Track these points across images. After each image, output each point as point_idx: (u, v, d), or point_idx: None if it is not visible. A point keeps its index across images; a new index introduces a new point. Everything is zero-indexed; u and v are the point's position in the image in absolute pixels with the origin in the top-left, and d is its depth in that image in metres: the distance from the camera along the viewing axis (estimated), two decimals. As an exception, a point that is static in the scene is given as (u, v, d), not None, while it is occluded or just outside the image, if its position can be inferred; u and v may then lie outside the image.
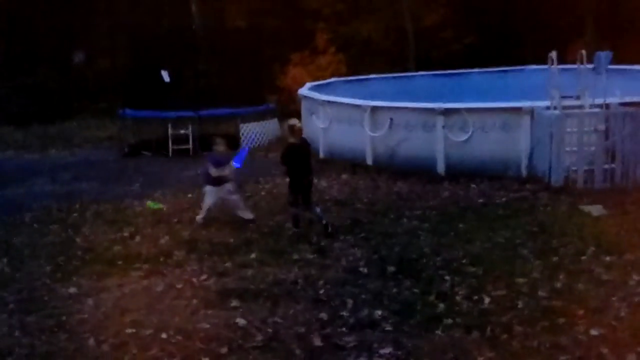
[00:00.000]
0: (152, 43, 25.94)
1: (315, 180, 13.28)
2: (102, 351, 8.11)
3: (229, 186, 13.25)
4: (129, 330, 8.56)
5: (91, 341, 8.34)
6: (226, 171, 13.11)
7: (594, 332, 7.86)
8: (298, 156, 12.23)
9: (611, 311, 8.45)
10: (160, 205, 14.39)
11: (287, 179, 12.51)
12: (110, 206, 15.02)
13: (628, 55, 22.64)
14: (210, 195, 13.25)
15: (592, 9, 33.58)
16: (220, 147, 13.48)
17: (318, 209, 12.42)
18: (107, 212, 14.61)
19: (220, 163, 13.19)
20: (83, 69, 39.67)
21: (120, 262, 11.24)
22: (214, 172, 13.07)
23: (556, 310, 8.54)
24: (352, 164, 17.51)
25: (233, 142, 22.20)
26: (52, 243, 12.67)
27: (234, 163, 13.29)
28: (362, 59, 32.81)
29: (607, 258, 10.21)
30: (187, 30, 28.41)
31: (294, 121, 12.57)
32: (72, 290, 10.14)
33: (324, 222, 12.16)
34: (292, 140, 12.28)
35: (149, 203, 14.36)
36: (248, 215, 13.25)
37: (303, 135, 12.85)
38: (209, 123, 23.37)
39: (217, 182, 13.15)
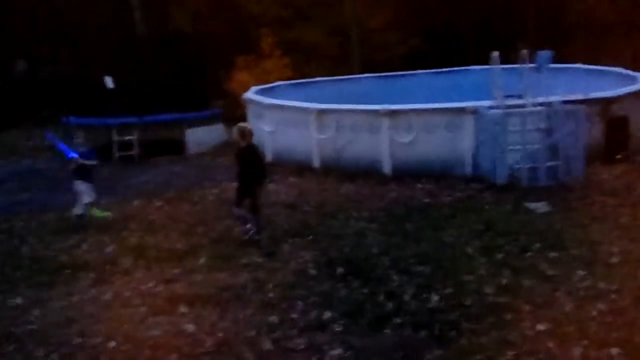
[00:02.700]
0: (94, 50, 25.68)
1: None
2: (50, 361, 8.01)
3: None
4: (77, 340, 8.48)
5: (39, 351, 8.24)
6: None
7: (540, 327, 8.01)
8: (247, 160, 12.09)
9: (557, 306, 8.62)
10: (106, 213, 14.22)
11: (236, 182, 12.33)
12: (55, 215, 14.80)
13: (568, 54, 23.08)
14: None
15: (533, 11, 34.16)
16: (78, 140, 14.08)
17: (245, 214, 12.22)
18: (52, 221, 14.40)
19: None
20: (25, 77, 39.01)
21: (67, 271, 11.09)
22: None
23: (503, 306, 8.68)
24: (300, 167, 17.51)
25: (179, 147, 22.11)
26: (-3, 254, 12.47)
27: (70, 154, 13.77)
28: (307, 62, 32.80)
29: (552, 254, 10.41)
30: (130, 36, 28.16)
31: (244, 125, 12.49)
32: (18, 300, 10.00)
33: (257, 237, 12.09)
34: (242, 144, 12.18)
35: (95, 211, 14.18)
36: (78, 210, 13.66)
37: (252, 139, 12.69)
38: (153, 129, 23.16)
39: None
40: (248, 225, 12.07)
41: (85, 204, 13.74)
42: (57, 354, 8.16)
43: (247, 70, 31.10)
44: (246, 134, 12.19)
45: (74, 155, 13.74)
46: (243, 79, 29.38)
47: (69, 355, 8.11)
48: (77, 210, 13.76)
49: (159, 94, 26.17)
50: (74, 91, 25.29)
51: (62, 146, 14.32)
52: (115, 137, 22.08)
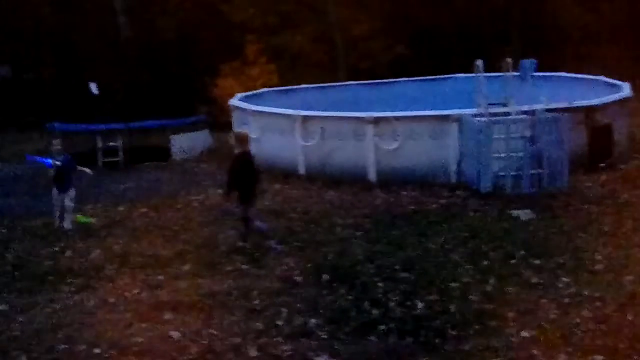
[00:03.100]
0: (79, 56, 25.59)
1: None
2: (35, 368, 7.97)
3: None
4: (62, 347, 8.42)
5: (23, 359, 8.17)
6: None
7: (525, 334, 8.04)
8: (245, 166, 11.98)
9: (541, 313, 8.66)
10: (91, 219, 14.18)
11: (235, 192, 12.05)
12: (40, 221, 14.71)
13: (552, 63, 23.22)
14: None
15: (517, 20, 34.36)
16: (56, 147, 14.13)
17: (258, 224, 12.24)
18: (37, 227, 14.31)
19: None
20: (9, 82, 38.82)
21: (51, 278, 11.02)
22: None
23: (488, 313, 8.71)
24: (285, 174, 17.52)
25: (164, 153, 22.06)
26: (-20, 260, 12.38)
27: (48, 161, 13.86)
28: (293, 69, 32.86)
29: (537, 261, 10.46)
30: (115, 43, 28.09)
31: (242, 131, 12.53)
32: (2, 307, 9.92)
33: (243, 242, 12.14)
34: (239, 150, 12.18)
35: (79, 217, 14.13)
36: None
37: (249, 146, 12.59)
38: (139, 135, 23.10)
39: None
40: (270, 240, 12.07)
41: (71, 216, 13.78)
42: (41, 361, 8.12)
43: (233, 77, 31.15)
44: (244, 140, 12.23)
45: (53, 161, 13.80)
46: (228, 86, 29.40)
47: (54, 362, 8.07)
48: (67, 224, 13.77)
49: (144, 100, 26.07)
50: (58, 97, 25.16)
51: (41, 160, 14.30)
52: (100, 144, 22.02)
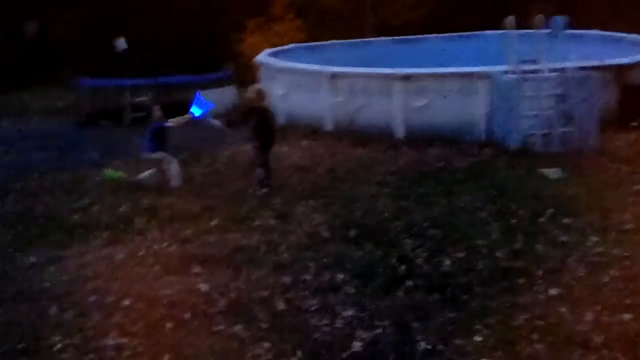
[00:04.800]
0: (106, 10, 25.56)
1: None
2: (64, 319, 8.10)
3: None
4: (91, 298, 8.54)
5: (53, 309, 8.31)
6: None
7: (552, 291, 8.03)
8: (266, 118, 12.64)
9: (569, 271, 8.62)
10: (120, 174, 14.25)
11: (256, 142, 12.60)
12: (68, 175, 14.85)
13: (584, 20, 22.85)
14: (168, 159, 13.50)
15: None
16: (157, 113, 13.93)
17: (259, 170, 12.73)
18: (65, 181, 14.45)
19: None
20: (37, 38, 38.91)
21: (80, 231, 11.16)
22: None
23: (515, 270, 8.69)
24: (312, 130, 17.48)
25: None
26: (10, 212, 12.55)
27: (192, 113, 13.61)
28: (320, 25, 32.62)
29: (565, 220, 10.39)
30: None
31: (260, 86, 12.87)
32: (33, 259, 10.07)
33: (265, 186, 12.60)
34: (257, 104, 12.53)
35: (108, 172, 14.22)
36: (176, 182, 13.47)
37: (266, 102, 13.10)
38: (166, 91, 23.13)
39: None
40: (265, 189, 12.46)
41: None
42: (71, 312, 8.23)
43: (259, 33, 30.98)
44: (262, 95, 12.52)
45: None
46: (255, 42, 29.28)
47: (84, 313, 8.17)
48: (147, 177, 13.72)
49: (171, 55, 26.04)
50: (86, 52, 25.19)
51: (205, 105, 14.01)
52: (128, 99, 22.07)
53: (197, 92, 14.36)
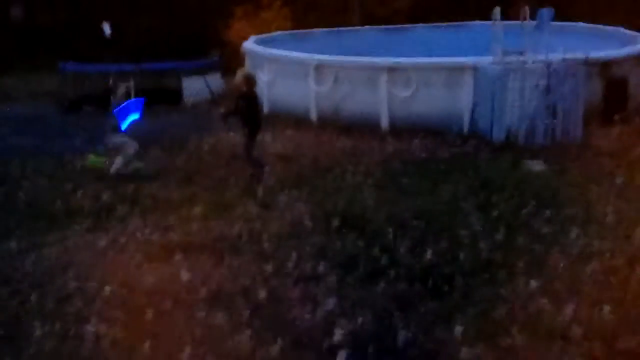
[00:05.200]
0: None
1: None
2: (46, 305, 8.04)
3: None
4: (72, 285, 8.50)
5: (34, 296, 8.24)
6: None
7: (533, 283, 8.03)
8: (250, 105, 12.47)
9: (550, 263, 8.65)
10: (102, 159, 14.15)
11: (245, 128, 12.55)
12: (51, 161, 14.73)
13: (570, 12, 22.90)
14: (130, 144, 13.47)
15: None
16: (121, 90, 14.30)
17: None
18: (47, 167, 14.32)
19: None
20: (21, 23, 38.61)
21: (62, 217, 11.08)
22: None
23: (497, 262, 8.72)
24: (297, 119, 17.44)
25: (175, 96, 21.98)
26: (-10, 198, 12.45)
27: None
28: (308, 14, 32.53)
29: (547, 212, 10.42)
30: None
31: (249, 72, 12.76)
32: (13, 245, 9.99)
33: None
34: (245, 90, 12.43)
35: (91, 158, 14.13)
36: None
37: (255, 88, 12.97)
38: (150, 77, 22.98)
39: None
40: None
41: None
42: (52, 298, 8.18)
43: (246, 20, 30.86)
44: (251, 81, 12.39)
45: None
46: (241, 29, 29.15)
47: (65, 300, 8.13)
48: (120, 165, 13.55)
49: (156, 42, 25.87)
50: (70, 37, 25.02)
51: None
52: (111, 84, 21.90)
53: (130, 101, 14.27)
